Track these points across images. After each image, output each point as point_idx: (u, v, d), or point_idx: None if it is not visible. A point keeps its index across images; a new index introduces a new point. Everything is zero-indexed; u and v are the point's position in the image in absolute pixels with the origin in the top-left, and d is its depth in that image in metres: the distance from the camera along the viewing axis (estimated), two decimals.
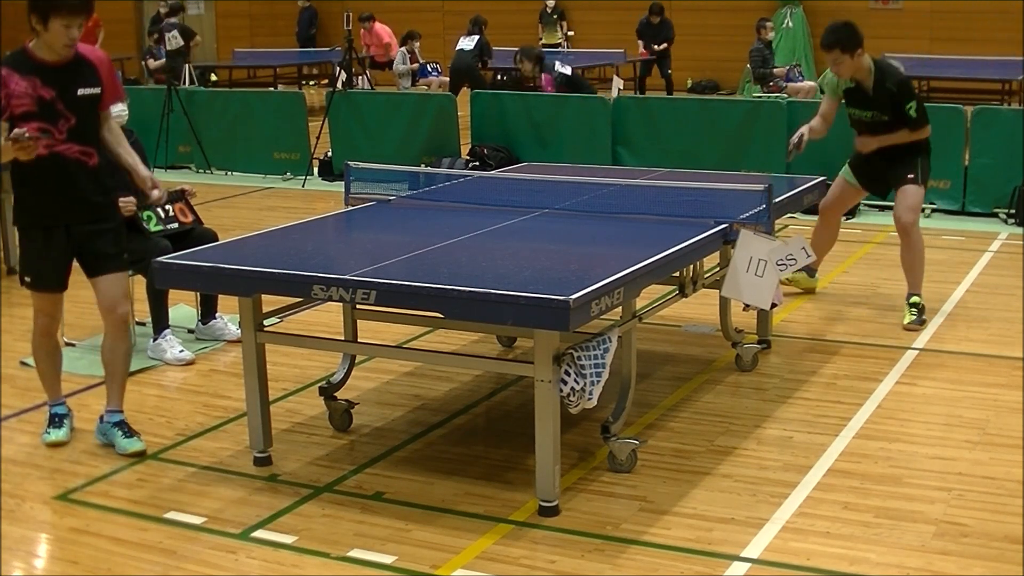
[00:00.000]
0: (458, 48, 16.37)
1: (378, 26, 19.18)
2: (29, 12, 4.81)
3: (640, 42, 18.71)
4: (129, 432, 5.19)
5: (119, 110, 6.39)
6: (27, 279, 5.15)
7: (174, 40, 15.40)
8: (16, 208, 5.14)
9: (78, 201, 5.00)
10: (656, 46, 18.48)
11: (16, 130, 4.69)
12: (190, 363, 6.44)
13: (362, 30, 18.90)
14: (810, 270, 7.29)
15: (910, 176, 6.94)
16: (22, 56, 4.89)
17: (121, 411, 5.24)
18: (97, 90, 4.97)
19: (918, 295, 6.96)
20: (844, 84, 6.97)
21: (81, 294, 7.44)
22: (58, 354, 5.40)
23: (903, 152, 6.95)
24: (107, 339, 5.19)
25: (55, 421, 5.39)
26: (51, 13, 4.77)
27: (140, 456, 5.12)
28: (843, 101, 7.07)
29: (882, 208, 9.65)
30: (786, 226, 9.12)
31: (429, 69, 18.65)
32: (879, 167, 7.09)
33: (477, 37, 16.36)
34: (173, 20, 16.38)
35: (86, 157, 4.97)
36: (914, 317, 6.86)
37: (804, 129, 7.06)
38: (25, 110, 4.82)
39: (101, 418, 5.24)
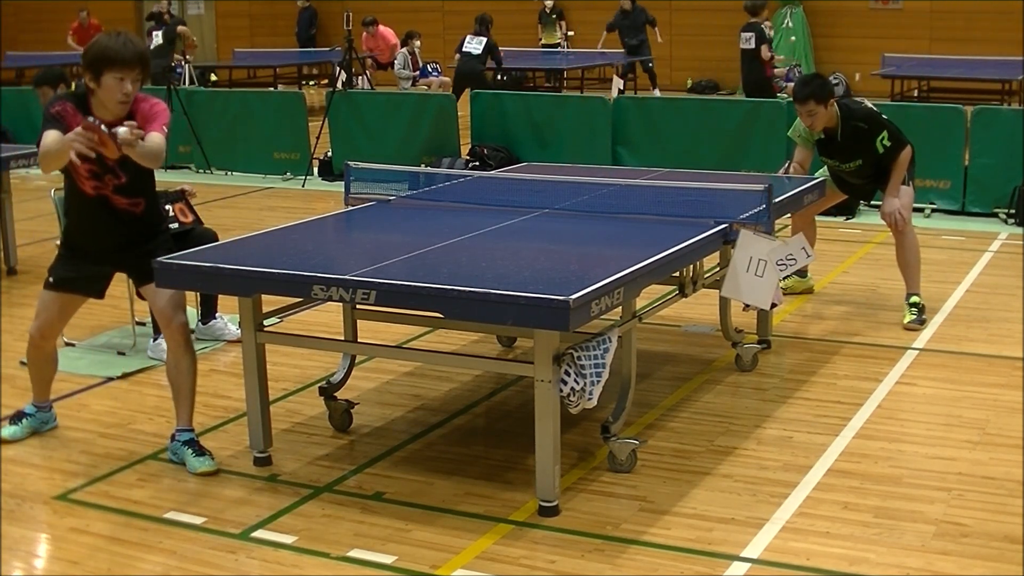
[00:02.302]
0: (464, 51, 15.69)
1: (382, 29, 19.15)
2: (83, 70, 4.76)
3: (606, 35, 18.44)
4: (200, 451, 5.01)
5: None
6: (51, 280, 5.12)
7: (156, 38, 15.50)
8: (63, 235, 5.23)
9: (122, 244, 5.02)
10: (630, 40, 18.16)
11: (90, 119, 4.61)
12: None
13: (365, 34, 18.88)
14: (800, 271, 7.31)
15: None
16: (84, 101, 4.82)
17: (191, 429, 5.07)
18: None
19: (917, 294, 6.96)
20: (816, 135, 7.00)
21: None
22: (54, 362, 5.38)
23: (887, 170, 7.00)
24: (169, 354, 5.06)
25: (15, 417, 5.41)
26: (104, 68, 4.70)
27: (212, 475, 4.93)
28: (818, 154, 7.13)
29: None
30: (786, 226, 9.12)
31: (429, 69, 18.66)
32: (872, 187, 7.24)
33: (485, 39, 15.67)
34: (167, 27, 16.49)
35: (133, 207, 4.98)
36: (914, 317, 6.86)
37: (792, 167, 7.14)
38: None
39: (172, 437, 5.11)
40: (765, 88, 13.68)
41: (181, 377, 5.03)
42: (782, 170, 7.19)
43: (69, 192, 5.05)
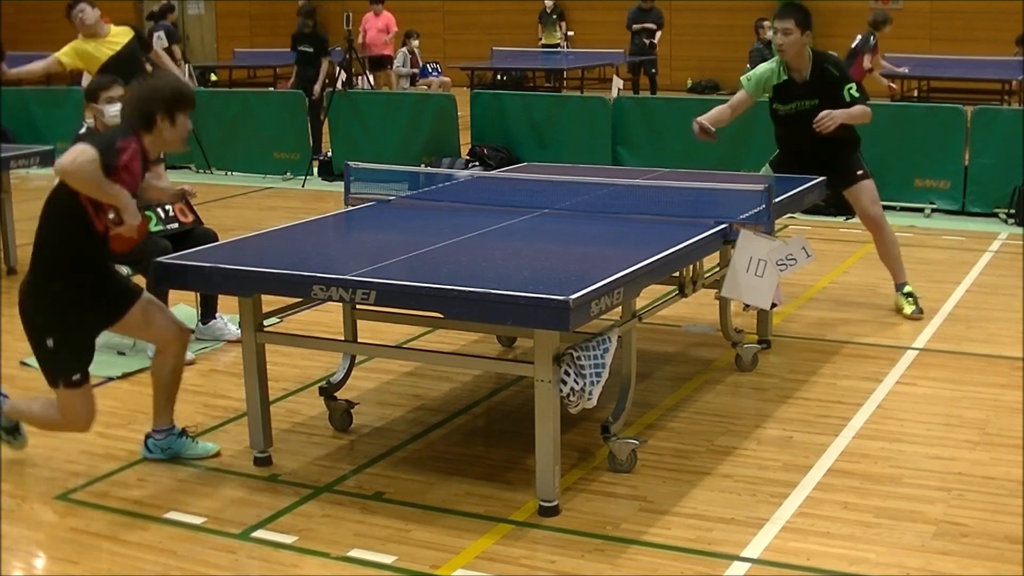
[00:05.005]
0: (301, 49, 15.05)
1: (387, 14, 19.11)
2: (156, 113, 4.59)
3: (635, 26, 18.60)
4: (195, 437, 5.08)
5: (115, 110, 6.37)
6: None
7: (159, 41, 15.39)
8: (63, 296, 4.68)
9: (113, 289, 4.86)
10: (646, 39, 18.33)
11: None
12: (190, 363, 6.42)
13: (370, 13, 18.79)
14: None
15: (859, 172, 6.94)
16: (139, 144, 4.61)
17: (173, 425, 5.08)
18: None
19: (908, 283, 7.00)
20: (777, 79, 6.80)
21: None
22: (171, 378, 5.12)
23: (838, 152, 6.86)
24: (171, 359, 4.95)
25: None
26: (181, 108, 4.64)
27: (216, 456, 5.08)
28: (769, 99, 6.93)
29: (885, 208, 9.60)
30: (786, 226, 9.12)
31: (429, 69, 18.66)
32: (816, 169, 6.81)
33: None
34: (162, 22, 16.37)
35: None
36: (914, 307, 6.89)
37: (699, 121, 6.86)
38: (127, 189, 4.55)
39: (149, 436, 5.04)
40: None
41: (175, 377, 5.00)
42: (696, 127, 6.89)
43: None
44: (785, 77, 6.80)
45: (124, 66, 8.46)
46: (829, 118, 6.60)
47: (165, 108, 4.61)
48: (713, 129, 6.88)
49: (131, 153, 4.51)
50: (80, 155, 4.37)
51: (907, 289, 7.00)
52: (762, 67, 6.95)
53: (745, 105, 7.00)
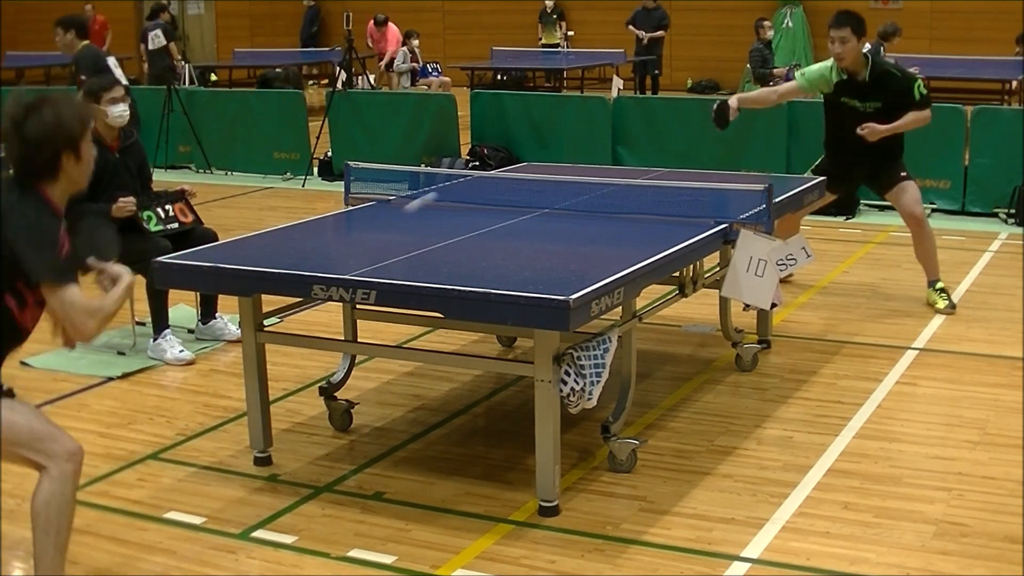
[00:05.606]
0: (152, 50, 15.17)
1: (391, 27, 19.19)
2: (62, 154, 3.57)
3: (632, 27, 18.61)
4: None
5: (120, 110, 6.38)
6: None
7: (156, 40, 15.37)
8: None
9: None
10: (647, 32, 18.35)
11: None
12: (190, 363, 6.44)
13: (374, 29, 18.93)
14: None
15: (903, 174, 7.12)
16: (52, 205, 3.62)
17: None
18: None
19: (940, 280, 7.10)
20: (836, 77, 6.94)
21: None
22: None
23: (886, 154, 7.05)
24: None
25: None
26: (85, 134, 3.61)
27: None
28: (831, 95, 7.06)
29: (882, 208, 9.64)
30: None
31: (429, 69, 18.68)
32: (861, 172, 7.19)
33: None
34: (156, 21, 16.38)
35: None
36: (947, 301, 6.99)
37: (734, 100, 7.11)
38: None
39: None
40: None
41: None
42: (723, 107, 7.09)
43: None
44: (845, 76, 6.94)
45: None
46: (872, 131, 6.84)
47: (69, 143, 3.51)
48: (736, 113, 7.11)
49: (64, 243, 3.58)
50: (81, 309, 3.61)
51: (939, 285, 7.12)
52: (816, 68, 7.12)
53: (792, 96, 7.25)
